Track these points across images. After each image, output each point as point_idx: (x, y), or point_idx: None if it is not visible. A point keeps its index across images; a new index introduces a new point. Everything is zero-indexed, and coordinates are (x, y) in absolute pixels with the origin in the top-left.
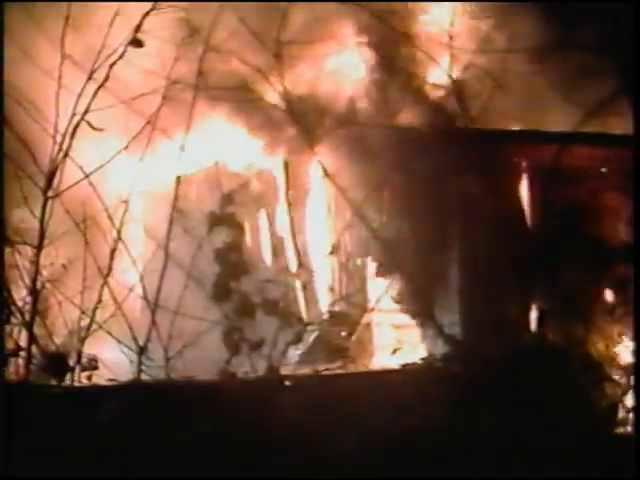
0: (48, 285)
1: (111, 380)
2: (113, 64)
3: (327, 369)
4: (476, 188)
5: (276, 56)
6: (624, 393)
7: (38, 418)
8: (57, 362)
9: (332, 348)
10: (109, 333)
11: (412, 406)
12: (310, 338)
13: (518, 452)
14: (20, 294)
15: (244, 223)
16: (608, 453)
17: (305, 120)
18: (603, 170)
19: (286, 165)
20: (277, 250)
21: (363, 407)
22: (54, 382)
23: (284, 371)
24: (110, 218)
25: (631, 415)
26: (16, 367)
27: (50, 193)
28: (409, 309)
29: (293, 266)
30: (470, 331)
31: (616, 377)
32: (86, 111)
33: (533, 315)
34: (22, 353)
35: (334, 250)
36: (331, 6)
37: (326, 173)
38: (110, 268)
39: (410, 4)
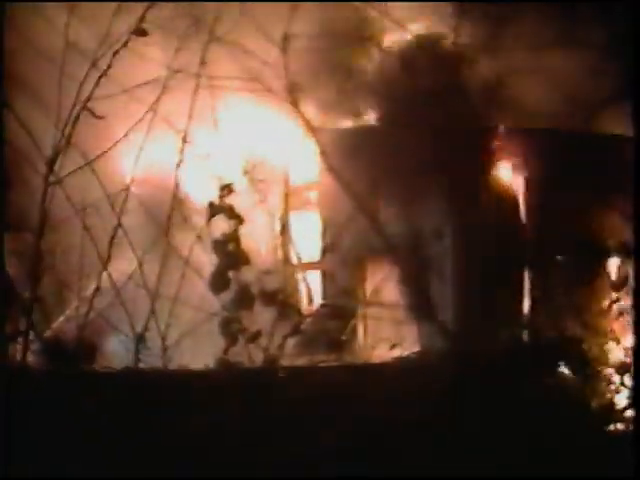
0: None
1: (106, 367)
2: (116, 52)
3: (323, 361)
4: (473, 182)
5: (282, 49)
6: (617, 392)
7: (33, 403)
8: (54, 348)
9: (328, 340)
10: (107, 321)
11: (402, 399)
12: (307, 330)
13: (506, 449)
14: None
15: (243, 213)
16: (603, 452)
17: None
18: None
19: (288, 156)
20: (276, 241)
21: (354, 399)
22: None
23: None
24: (111, 205)
25: (624, 414)
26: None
27: (51, 179)
28: (407, 304)
29: (293, 258)
30: (464, 325)
31: (609, 375)
32: (88, 99)
33: (527, 310)
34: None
35: (334, 243)
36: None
37: (329, 166)
38: (109, 255)
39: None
